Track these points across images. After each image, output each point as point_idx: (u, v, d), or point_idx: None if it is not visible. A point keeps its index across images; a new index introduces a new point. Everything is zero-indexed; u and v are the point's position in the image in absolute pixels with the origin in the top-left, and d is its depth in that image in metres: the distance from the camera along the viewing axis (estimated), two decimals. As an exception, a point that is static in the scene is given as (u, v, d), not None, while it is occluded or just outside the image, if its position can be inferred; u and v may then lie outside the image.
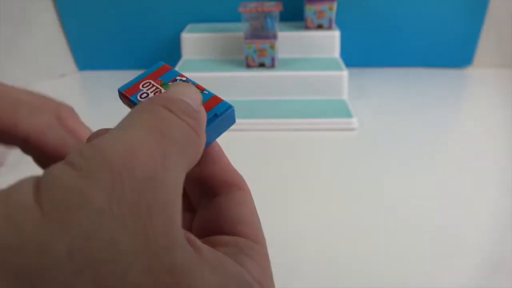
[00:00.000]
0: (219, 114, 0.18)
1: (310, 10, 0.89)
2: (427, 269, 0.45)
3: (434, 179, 0.60)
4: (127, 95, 0.19)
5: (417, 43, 1.01)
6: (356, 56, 1.01)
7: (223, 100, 0.18)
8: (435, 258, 0.47)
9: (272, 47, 0.83)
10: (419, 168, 0.63)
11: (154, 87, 0.19)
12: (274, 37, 0.83)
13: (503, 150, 0.68)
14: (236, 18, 0.95)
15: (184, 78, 0.20)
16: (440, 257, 0.47)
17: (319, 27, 0.90)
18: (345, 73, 0.81)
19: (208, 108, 0.18)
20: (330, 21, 0.90)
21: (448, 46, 1.01)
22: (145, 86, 0.19)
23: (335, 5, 0.88)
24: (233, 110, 0.18)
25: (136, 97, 0.19)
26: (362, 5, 0.97)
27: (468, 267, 0.45)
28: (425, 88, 0.93)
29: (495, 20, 0.96)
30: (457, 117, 0.83)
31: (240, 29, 0.90)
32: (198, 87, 0.19)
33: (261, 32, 0.83)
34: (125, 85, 0.19)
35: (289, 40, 0.89)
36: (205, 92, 0.19)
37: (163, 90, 0.19)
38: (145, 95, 0.19)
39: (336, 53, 0.90)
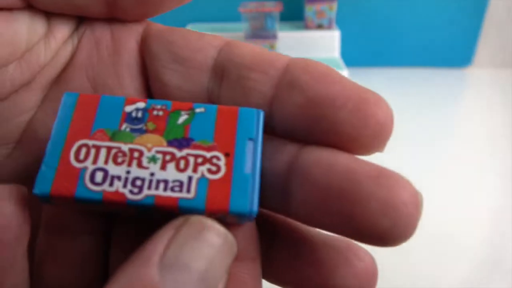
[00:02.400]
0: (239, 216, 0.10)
1: (310, 10, 0.89)
2: (428, 269, 0.45)
3: (432, 178, 0.60)
4: (64, 195, 0.09)
5: (416, 43, 1.01)
6: (356, 56, 1.02)
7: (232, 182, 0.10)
8: (435, 257, 0.47)
9: (272, 47, 0.83)
10: (417, 168, 0.63)
11: (105, 151, 0.10)
12: (274, 37, 0.83)
13: (502, 149, 0.69)
14: (236, 18, 0.95)
15: (141, 105, 0.10)
16: (440, 257, 0.47)
17: (319, 27, 0.90)
18: (345, 73, 0.81)
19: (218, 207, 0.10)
20: (330, 21, 0.90)
21: (448, 45, 1.01)
22: (81, 159, 0.10)
23: (335, 5, 0.88)
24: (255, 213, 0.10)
25: (91, 191, 0.09)
26: (362, 5, 0.97)
27: (467, 266, 0.46)
28: (424, 88, 0.93)
29: (495, 20, 0.96)
30: (456, 117, 0.83)
31: (240, 29, 0.90)
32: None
33: (261, 32, 0.83)
34: (41, 177, 0.09)
35: (289, 40, 0.90)
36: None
37: (123, 147, 0.10)
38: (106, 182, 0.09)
39: (336, 53, 0.90)
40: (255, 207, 0.10)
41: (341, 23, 0.95)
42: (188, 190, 0.09)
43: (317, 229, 0.12)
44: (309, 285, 0.12)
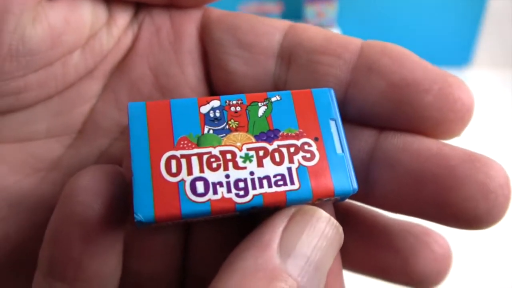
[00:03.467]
0: (341, 198, 0.10)
1: (310, 10, 0.89)
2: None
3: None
4: (171, 215, 0.09)
5: (416, 42, 1.02)
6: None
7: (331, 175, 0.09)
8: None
9: (273, 47, 0.83)
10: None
11: (196, 158, 0.09)
12: (275, 37, 0.83)
13: (501, 149, 0.69)
14: (236, 18, 0.95)
15: (216, 103, 0.10)
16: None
17: (319, 27, 0.90)
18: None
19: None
20: (330, 21, 0.90)
21: (447, 45, 1.02)
22: (174, 172, 0.09)
23: (335, 5, 0.88)
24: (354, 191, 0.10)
25: (194, 209, 0.09)
26: (362, 5, 0.97)
27: (472, 265, 0.46)
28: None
29: (494, 20, 0.97)
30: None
31: (240, 29, 0.90)
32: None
33: (261, 32, 0.84)
34: (139, 201, 0.09)
35: (289, 40, 0.90)
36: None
37: (213, 151, 0.09)
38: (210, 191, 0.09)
39: (336, 53, 0.90)
40: (356, 184, 0.10)
41: (342, 23, 0.95)
42: (292, 182, 0.09)
43: (389, 214, 0.12)
44: (389, 272, 0.12)
